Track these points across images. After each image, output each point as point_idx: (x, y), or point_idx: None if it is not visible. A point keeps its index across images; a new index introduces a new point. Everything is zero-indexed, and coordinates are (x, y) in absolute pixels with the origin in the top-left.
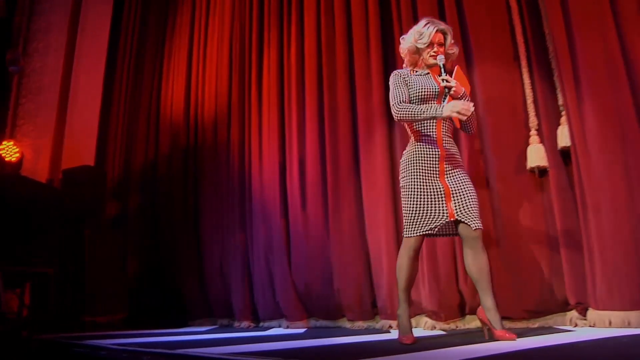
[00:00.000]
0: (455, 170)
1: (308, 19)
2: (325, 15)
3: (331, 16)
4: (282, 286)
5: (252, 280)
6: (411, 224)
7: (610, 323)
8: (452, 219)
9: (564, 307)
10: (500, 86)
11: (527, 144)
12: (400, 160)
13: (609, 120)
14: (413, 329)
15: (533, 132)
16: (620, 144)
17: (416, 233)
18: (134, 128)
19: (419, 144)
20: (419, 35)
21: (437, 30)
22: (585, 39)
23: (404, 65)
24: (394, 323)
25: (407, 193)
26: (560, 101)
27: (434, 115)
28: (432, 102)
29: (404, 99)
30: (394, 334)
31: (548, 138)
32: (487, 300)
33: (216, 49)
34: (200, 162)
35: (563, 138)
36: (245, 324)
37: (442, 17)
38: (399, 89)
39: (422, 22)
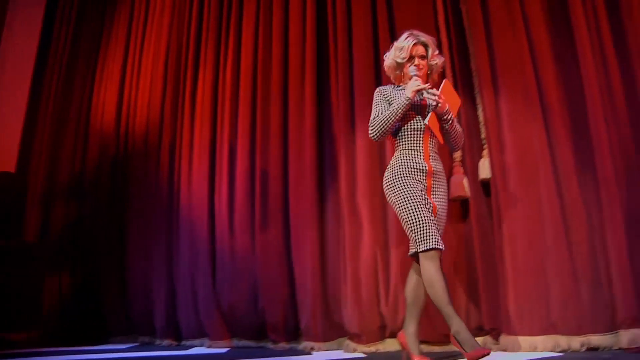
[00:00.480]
0: (439, 190)
1: (246, 38)
2: (263, 36)
3: (269, 37)
4: (206, 304)
5: (176, 298)
6: (426, 235)
7: (519, 347)
8: None
9: (479, 332)
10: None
11: (451, 174)
12: (385, 176)
13: (526, 155)
14: (334, 352)
15: (457, 163)
16: (534, 177)
17: (435, 244)
18: (61, 135)
19: (405, 158)
20: (398, 50)
21: (415, 43)
22: (507, 77)
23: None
24: (316, 345)
25: (406, 206)
26: (483, 134)
27: (403, 103)
28: (416, 117)
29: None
30: (315, 356)
31: (470, 170)
32: (412, 327)
33: (151, 61)
34: (129, 174)
35: (484, 170)
36: (166, 342)
37: (375, 47)
38: (379, 107)
39: (403, 36)
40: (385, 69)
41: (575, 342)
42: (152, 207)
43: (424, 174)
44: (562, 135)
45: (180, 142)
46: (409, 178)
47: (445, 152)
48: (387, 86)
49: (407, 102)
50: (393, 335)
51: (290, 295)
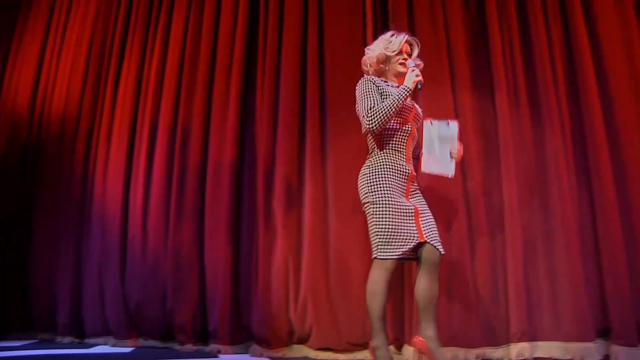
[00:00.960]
0: (416, 193)
1: (175, 32)
2: (192, 31)
3: (198, 33)
4: (113, 302)
5: (82, 294)
6: (387, 244)
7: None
8: (421, 241)
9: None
10: (350, 128)
11: None
12: (366, 173)
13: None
14: (241, 356)
15: None
16: (445, 197)
17: (394, 255)
18: None
19: (389, 159)
20: (388, 42)
21: (406, 40)
22: (428, 97)
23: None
24: (223, 348)
25: (381, 210)
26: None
27: (404, 94)
28: (407, 117)
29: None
30: (221, 359)
31: None
32: (430, 330)
33: (74, 47)
34: (41, 163)
35: None
36: (68, 339)
37: (303, 55)
38: (372, 96)
39: (389, 33)
40: (367, 60)
41: (472, 354)
42: (63, 200)
43: (406, 177)
44: (474, 159)
45: (97, 134)
46: (391, 182)
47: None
48: (377, 78)
49: (408, 93)
50: (300, 341)
51: (200, 297)
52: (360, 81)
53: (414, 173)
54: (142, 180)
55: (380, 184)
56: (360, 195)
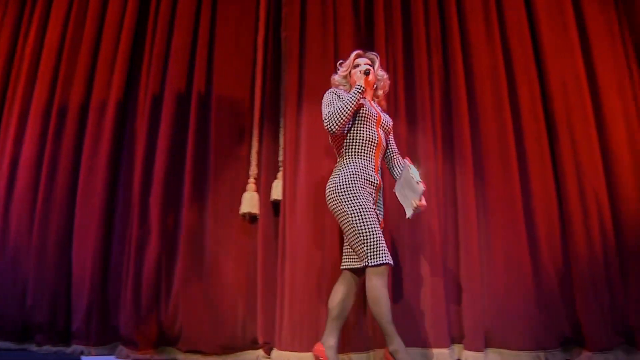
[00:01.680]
0: (380, 203)
1: (56, 10)
2: (76, 11)
3: (83, 13)
4: None
5: None
6: (377, 251)
7: None
8: None
9: (254, 345)
10: (232, 132)
11: (244, 190)
12: (333, 183)
13: (318, 183)
14: (106, 357)
15: (252, 180)
16: (321, 206)
17: (385, 260)
18: None
19: (358, 167)
20: (341, 66)
21: (358, 54)
22: (312, 106)
23: None
24: (86, 349)
25: (361, 219)
26: (281, 157)
27: (356, 91)
28: (372, 125)
29: None
30: None
31: (264, 188)
32: (332, 340)
33: None
34: None
35: (276, 191)
36: None
37: (192, 56)
38: (331, 105)
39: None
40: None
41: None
42: None
43: (375, 187)
44: None
45: None
46: (361, 189)
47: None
48: (338, 89)
49: (359, 90)
50: (170, 343)
51: (64, 295)
52: (325, 94)
53: (381, 183)
54: (7, 169)
55: (353, 193)
56: (330, 204)
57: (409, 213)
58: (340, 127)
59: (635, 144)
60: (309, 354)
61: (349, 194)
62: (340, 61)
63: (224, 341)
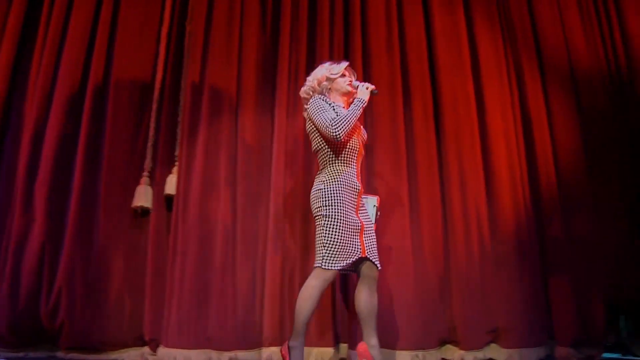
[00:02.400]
0: (363, 208)
1: None
2: None
3: None
4: None
5: None
6: (332, 256)
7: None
8: (362, 256)
9: (140, 342)
10: (128, 124)
11: (138, 184)
12: (318, 189)
13: (212, 180)
14: None
15: (146, 173)
16: (214, 204)
17: (335, 267)
18: None
19: (343, 175)
20: (329, 68)
21: (348, 66)
22: (214, 101)
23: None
24: None
25: (332, 224)
26: (177, 152)
27: (360, 104)
28: (356, 135)
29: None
30: None
31: (158, 182)
32: (373, 339)
33: None
34: None
35: (170, 186)
36: None
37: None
38: (328, 111)
39: (328, 62)
40: (307, 88)
41: (225, 357)
42: None
43: (357, 193)
44: (246, 173)
45: None
46: (344, 197)
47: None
48: (322, 98)
49: (363, 104)
50: (50, 340)
51: None
52: (310, 101)
53: (363, 189)
54: None
55: (334, 199)
56: (313, 208)
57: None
58: (346, 134)
59: (512, 160)
60: (196, 351)
61: (330, 200)
62: (329, 63)
63: (108, 338)
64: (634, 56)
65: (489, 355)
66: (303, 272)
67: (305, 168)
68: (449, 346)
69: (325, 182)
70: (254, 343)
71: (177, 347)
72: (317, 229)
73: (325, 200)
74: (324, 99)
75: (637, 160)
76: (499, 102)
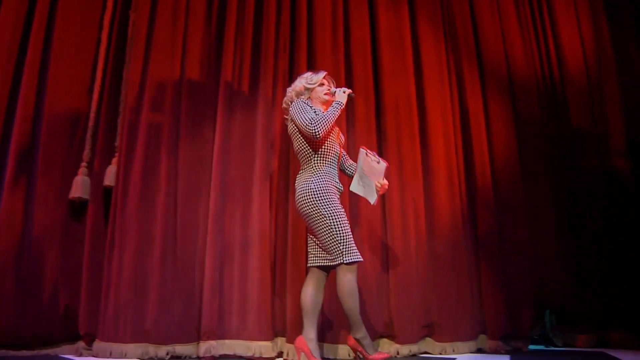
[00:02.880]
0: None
1: None
2: None
3: None
4: None
5: None
6: (351, 248)
7: (110, 354)
8: None
9: (74, 336)
10: (67, 112)
11: (76, 174)
12: (307, 189)
13: (152, 174)
14: None
15: (84, 164)
16: (155, 197)
17: (358, 258)
18: None
19: (328, 176)
20: (308, 78)
21: (326, 75)
22: (154, 93)
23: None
24: None
25: (336, 221)
26: (117, 142)
27: (338, 106)
28: (335, 139)
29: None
30: None
31: (97, 173)
32: (312, 332)
33: None
34: None
35: (110, 177)
36: None
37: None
38: (309, 112)
39: (308, 72)
40: (287, 99)
41: (162, 350)
42: None
43: (339, 193)
44: (188, 166)
45: None
46: (333, 195)
47: None
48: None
49: (341, 107)
50: None
51: None
52: (292, 104)
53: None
54: None
55: (327, 197)
56: (302, 207)
57: (373, 199)
58: (325, 133)
59: (450, 160)
60: (133, 345)
61: (323, 198)
62: (308, 73)
63: (41, 333)
64: (565, 66)
65: (423, 349)
66: (242, 265)
67: (246, 163)
68: (385, 340)
69: (315, 182)
70: (193, 337)
71: (113, 342)
72: (318, 228)
73: (319, 200)
74: (304, 101)
75: (566, 164)
76: (439, 103)
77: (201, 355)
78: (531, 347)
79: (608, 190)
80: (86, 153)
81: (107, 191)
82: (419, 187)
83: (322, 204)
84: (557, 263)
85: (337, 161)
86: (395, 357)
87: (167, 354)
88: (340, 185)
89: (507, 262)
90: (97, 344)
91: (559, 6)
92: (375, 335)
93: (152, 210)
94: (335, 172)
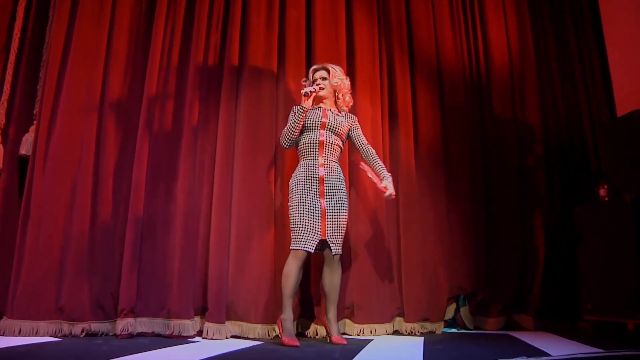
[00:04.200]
0: (335, 194)
1: None
2: None
3: None
4: None
5: None
6: (297, 238)
7: (20, 331)
8: (322, 238)
9: None
10: None
11: None
12: (289, 182)
13: (72, 144)
14: None
15: None
16: (75, 165)
17: (300, 247)
18: None
19: (302, 167)
20: (307, 81)
21: (315, 70)
22: (73, 68)
23: None
24: None
25: (294, 211)
26: (36, 109)
27: (298, 111)
28: (316, 130)
29: None
30: None
31: (12, 141)
32: (331, 312)
33: None
34: None
35: (26, 146)
36: None
37: None
38: (287, 124)
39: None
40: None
41: (78, 328)
42: None
43: (317, 181)
44: (112, 138)
45: None
46: (303, 186)
47: None
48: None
49: (300, 110)
50: None
51: None
52: None
53: (329, 175)
54: None
55: (295, 189)
56: None
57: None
58: (290, 143)
59: (377, 146)
60: (45, 322)
61: (291, 190)
62: (304, 79)
63: None
64: (492, 61)
65: (342, 330)
66: (164, 242)
67: (172, 136)
68: (303, 320)
69: (293, 175)
70: (110, 314)
71: (25, 319)
72: (289, 217)
73: (290, 190)
74: (293, 109)
75: (487, 155)
76: (369, 89)
77: (118, 333)
78: (445, 330)
79: (522, 183)
80: (0, 119)
81: (23, 161)
82: (344, 171)
83: (292, 195)
84: (472, 251)
85: (320, 149)
86: (314, 337)
87: (83, 331)
88: (319, 173)
89: (426, 247)
90: (5, 321)
91: (488, 3)
92: (295, 317)
93: (71, 181)
94: (316, 161)
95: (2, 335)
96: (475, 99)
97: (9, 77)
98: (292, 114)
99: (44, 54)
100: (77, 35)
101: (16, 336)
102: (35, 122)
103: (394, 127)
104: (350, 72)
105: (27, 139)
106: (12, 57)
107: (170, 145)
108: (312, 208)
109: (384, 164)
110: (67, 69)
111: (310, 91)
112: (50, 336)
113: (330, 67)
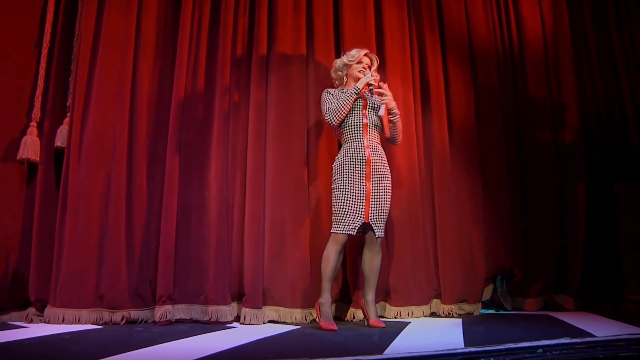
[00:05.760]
0: (380, 176)
1: None
2: None
3: None
4: None
5: None
6: (339, 222)
7: (63, 319)
8: (365, 221)
9: (24, 303)
10: (14, 69)
11: (24, 134)
12: (333, 165)
13: (106, 135)
14: None
15: (34, 123)
16: (108, 158)
17: (342, 231)
18: None
19: (348, 149)
20: (349, 55)
21: (365, 54)
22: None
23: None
24: None
25: (337, 194)
26: (69, 102)
27: (352, 92)
28: (359, 111)
29: None
30: None
31: (47, 134)
32: (370, 295)
33: None
34: None
35: (61, 138)
36: None
37: None
38: (329, 103)
39: (355, 49)
40: (332, 71)
41: (118, 315)
42: None
43: (364, 163)
44: (144, 127)
45: None
46: (349, 170)
47: None
48: (334, 89)
49: (356, 92)
50: None
51: None
52: (321, 96)
53: (375, 157)
54: None
55: (340, 172)
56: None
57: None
58: (339, 121)
59: (409, 126)
60: (87, 310)
61: (337, 174)
62: (355, 50)
63: None
64: (525, 38)
65: (379, 313)
66: (199, 229)
67: (203, 124)
68: (340, 304)
69: (337, 158)
70: (148, 301)
71: (67, 307)
72: (332, 199)
73: (335, 174)
74: (329, 92)
75: (520, 134)
76: (400, 70)
77: (157, 320)
78: (482, 311)
79: (559, 161)
80: (35, 112)
81: (59, 152)
82: None
83: (336, 177)
84: (509, 231)
85: (364, 131)
86: (351, 320)
87: (123, 318)
88: (365, 154)
89: (462, 228)
90: (49, 310)
91: None
92: (332, 300)
93: (105, 172)
94: (362, 143)
95: (47, 323)
96: (508, 75)
97: (42, 72)
98: (324, 95)
99: (75, 46)
100: (106, 26)
101: (60, 324)
102: (68, 114)
103: (426, 107)
104: (380, 53)
105: (62, 131)
106: (45, 52)
107: (202, 132)
108: (357, 191)
109: (417, 145)
110: (97, 60)
111: (371, 83)
112: (92, 324)
113: (375, 59)
